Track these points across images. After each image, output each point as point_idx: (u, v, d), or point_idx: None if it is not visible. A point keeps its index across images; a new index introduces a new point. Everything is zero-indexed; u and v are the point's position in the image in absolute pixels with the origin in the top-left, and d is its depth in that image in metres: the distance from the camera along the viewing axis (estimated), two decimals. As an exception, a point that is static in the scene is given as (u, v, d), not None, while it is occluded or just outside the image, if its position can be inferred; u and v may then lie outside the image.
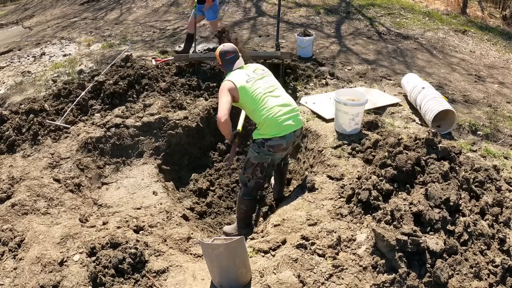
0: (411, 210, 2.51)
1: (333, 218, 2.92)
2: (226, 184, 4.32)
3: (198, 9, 6.03)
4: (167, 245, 3.02)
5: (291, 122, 3.17)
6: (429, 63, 6.42)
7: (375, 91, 5.06)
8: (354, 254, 2.55)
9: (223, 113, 3.11)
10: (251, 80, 3.24)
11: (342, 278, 2.41)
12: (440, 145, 3.03)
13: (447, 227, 2.47)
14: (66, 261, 2.74)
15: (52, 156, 3.94)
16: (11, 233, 2.98)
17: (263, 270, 2.56)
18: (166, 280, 2.61)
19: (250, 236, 3.19)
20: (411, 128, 4.19)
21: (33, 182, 3.51)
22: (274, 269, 2.53)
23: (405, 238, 2.32)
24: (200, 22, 6.52)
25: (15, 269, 2.70)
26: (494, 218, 2.71)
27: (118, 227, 3.10)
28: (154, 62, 5.90)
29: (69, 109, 4.57)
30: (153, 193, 3.74)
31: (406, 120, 4.40)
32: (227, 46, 3.44)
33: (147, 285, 2.57)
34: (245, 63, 3.49)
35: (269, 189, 4.18)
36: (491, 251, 2.49)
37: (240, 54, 3.48)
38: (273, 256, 2.70)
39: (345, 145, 3.79)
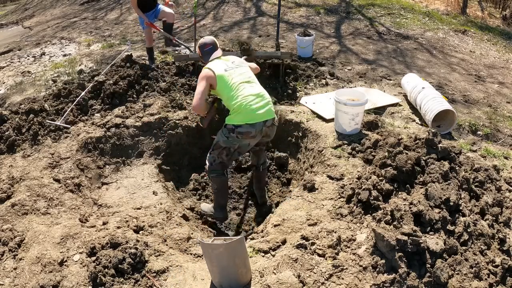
0: (411, 210, 2.51)
1: (333, 218, 2.92)
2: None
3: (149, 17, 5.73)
4: (167, 245, 3.02)
5: (263, 112, 3.29)
6: (429, 63, 6.42)
7: (375, 91, 5.06)
8: (354, 254, 2.55)
9: (197, 102, 3.37)
10: (229, 69, 3.42)
11: (342, 278, 2.41)
12: (440, 145, 3.03)
13: (447, 227, 2.47)
14: (66, 261, 2.74)
15: (52, 156, 3.94)
16: (11, 233, 2.97)
17: (263, 270, 2.56)
18: (166, 280, 2.61)
19: (250, 236, 3.19)
20: (411, 128, 4.19)
21: (33, 182, 3.51)
22: (274, 269, 2.53)
23: (405, 238, 2.32)
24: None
25: (15, 269, 2.69)
26: (494, 218, 2.71)
27: (118, 227, 3.09)
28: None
29: (69, 109, 4.57)
30: (153, 193, 3.74)
31: (406, 120, 4.39)
32: (207, 38, 3.69)
33: (147, 285, 2.56)
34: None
35: (269, 187, 4.18)
36: (491, 251, 2.49)
37: (219, 47, 3.70)
38: (273, 256, 2.70)
39: (345, 145, 3.79)
